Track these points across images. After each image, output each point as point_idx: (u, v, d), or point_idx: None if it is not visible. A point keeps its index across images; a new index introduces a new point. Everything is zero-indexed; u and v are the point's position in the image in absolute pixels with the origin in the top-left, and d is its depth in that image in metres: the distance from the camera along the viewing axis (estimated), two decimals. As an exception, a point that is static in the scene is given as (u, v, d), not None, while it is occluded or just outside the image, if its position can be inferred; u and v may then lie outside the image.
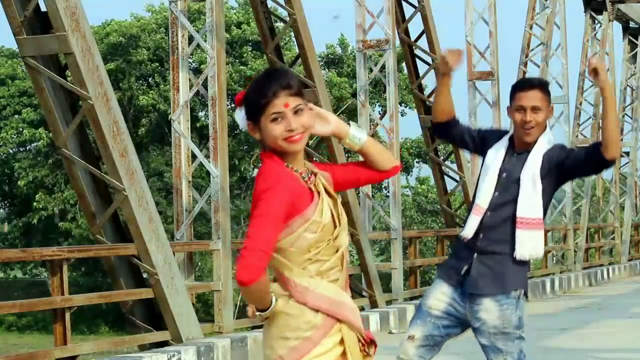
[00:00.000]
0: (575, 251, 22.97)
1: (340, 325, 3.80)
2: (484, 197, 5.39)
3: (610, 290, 20.62)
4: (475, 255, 5.38)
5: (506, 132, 5.60)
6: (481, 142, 5.57)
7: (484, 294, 5.36)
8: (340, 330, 3.80)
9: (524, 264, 5.40)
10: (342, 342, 3.80)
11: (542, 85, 5.49)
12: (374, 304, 14.49)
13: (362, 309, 14.45)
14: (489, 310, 5.36)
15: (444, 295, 5.45)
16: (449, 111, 5.56)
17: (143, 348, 10.47)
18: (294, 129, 3.71)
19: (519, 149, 5.44)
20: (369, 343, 3.89)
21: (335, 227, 3.80)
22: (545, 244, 21.83)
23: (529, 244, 5.32)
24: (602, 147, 5.28)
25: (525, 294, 5.45)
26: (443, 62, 5.39)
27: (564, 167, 5.37)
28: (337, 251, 3.81)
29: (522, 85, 5.50)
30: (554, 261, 22.94)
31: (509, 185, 5.37)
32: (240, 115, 3.81)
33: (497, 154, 5.45)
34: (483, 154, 5.54)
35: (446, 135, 5.64)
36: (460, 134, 5.60)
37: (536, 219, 5.33)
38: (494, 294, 5.36)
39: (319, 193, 3.80)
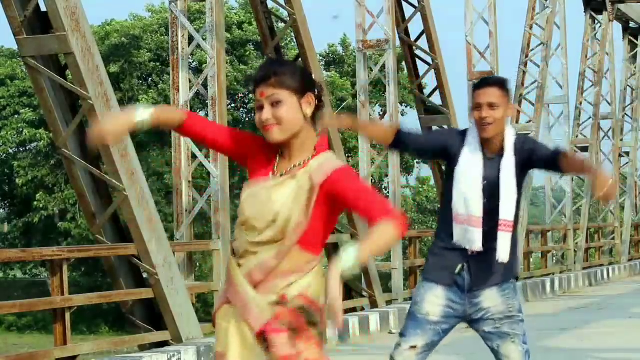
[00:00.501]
0: (575, 251, 22.96)
1: (230, 308, 3.79)
2: (476, 206, 5.39)
3: (610, 290, 20.61)
4: (472, 255, 5.41)
5: (464, 130, 5.56)
6: (442, 151, 5.53)
7: (486, 287, 5.44)
8: (226, 313, 3.80)
9: (515, 254, 5.51)
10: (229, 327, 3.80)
11: (499, 83, 5.47)
12: (374, 304, 14.48)
13: (362, 309, 14.45)
14: (491, 298, 5.43)
15: (438, 299, 5.44)
16: (387, 134, 5.52)
17: (143, 348, 10.47)
18: (264, 120, 3.73)
19: (490, 154, 5.44)
20: (261, 336, 3.72)
21: (255, 222, 3.76)
22: (545, 243, 21.99)
23: (506, 246, 5.40)
24: (565, 163, 5.31)
25: (516, 278, 5.58)
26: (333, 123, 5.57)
27: (531, 160, 5.43)
28: (250, 239, 3.78)
29: (479, 84, 5.50)
30: (554, 261, 22.94)
31: (492, 192, 5.40)
32: None
33: (473, 159, 5.43)
34: (448, 157, 5.48)
35: (402, 147, 5.62)
36: (417, 147, 5.62)
37: (512, 221, 5.41)
38: (495, 284, 5.43)
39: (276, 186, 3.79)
